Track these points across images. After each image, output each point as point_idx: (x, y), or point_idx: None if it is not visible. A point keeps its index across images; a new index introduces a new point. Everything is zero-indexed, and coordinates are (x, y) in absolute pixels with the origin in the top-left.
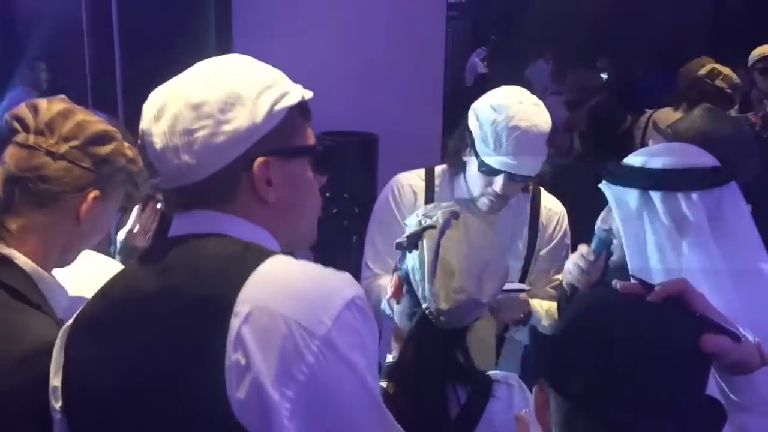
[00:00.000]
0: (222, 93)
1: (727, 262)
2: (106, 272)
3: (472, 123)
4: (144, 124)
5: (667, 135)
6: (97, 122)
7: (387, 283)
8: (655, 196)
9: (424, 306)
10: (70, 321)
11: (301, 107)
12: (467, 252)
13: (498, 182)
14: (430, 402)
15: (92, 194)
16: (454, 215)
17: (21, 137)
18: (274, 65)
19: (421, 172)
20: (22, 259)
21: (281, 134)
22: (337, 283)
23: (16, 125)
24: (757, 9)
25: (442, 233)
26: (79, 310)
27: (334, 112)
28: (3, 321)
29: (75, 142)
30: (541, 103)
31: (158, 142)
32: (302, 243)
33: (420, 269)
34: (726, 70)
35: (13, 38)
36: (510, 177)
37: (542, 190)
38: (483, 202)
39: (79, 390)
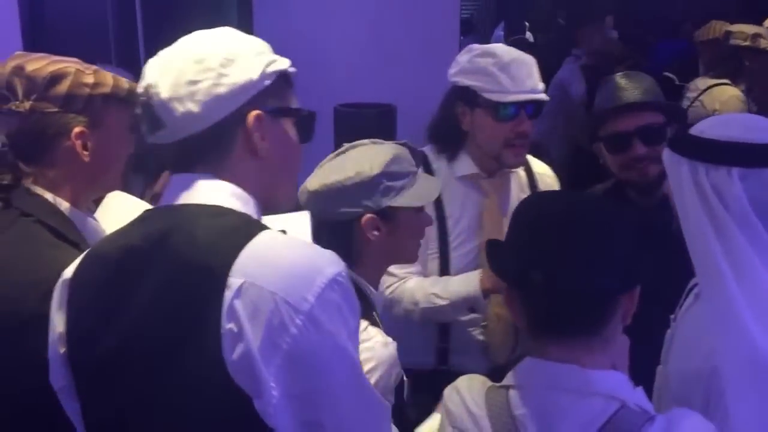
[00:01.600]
0: (222, 50)
1: None
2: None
3: (469, 82)
4: (149, 78)
5: None
6: (45, 66)
7: (415, 286)
8: (701, 168)
9: None
10: (69, 275)
11: (286, 76)
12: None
13: (522, 120)
14: None
15: (76, 130)
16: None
17: (10, 106)
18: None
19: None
20: (59, 201)
21: (272, 94)
22: (321, 261)
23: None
24: None
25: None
26: (74, 265)
27: (352, 84)
28: (36, 253)
29: (34, 95)
30: None
31: (164, 92)
32: (285, 202)
33: None
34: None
35: (36, 12)
36: (535, 109)
37: (529, 157)
38: (508, 156)
39: (80, 342)
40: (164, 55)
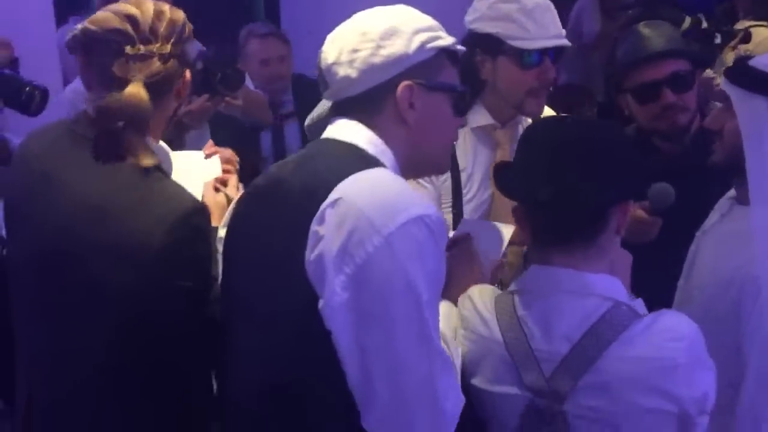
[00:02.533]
0: (385, 25)
1: None
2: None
3: (491, 29)
4: (323, 47)
5: None
6: (176, 12)
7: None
8: None
9: None
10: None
11: (452, 54)
12: None
13: (548, 67)
14: None
15: (188, 74)
16: None
17: (130, 49)
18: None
19: None
20: (155, 143)
21: (428, 69)
22: (414, 200)
23: (118, 38)
24: None
25: None
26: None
27: None
28: (150, 189)
29: (173, 39)
30: None
31: (330, 58)
32: (432, 170)
33: None
34: None
35: None
36: (557, 55)
37: None
38: (531, 104)
39: (229, 245)
40: (340, 26)
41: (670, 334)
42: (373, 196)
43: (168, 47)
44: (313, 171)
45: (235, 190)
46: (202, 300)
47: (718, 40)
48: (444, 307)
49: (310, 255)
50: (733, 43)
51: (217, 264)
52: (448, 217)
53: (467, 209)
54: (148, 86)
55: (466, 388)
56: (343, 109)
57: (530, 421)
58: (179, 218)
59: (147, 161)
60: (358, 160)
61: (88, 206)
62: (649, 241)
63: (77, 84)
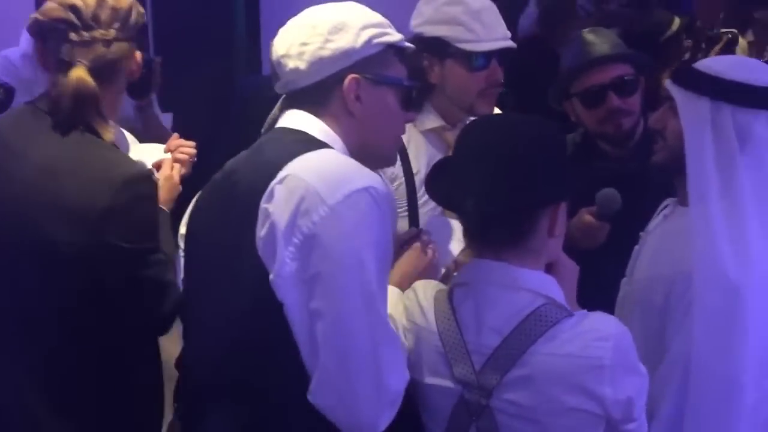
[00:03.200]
0: (334, 20)
1: None
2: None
3: (438, 33)
4: (275, 39)
5: None
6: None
7: None
8: (726, 108)
9: None
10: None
11: (400, 50)
12: None
13: (496, 69)
14: None
15: (138, 55)
16: None
17: (74, 36)
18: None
19: None
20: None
21: (376, 63)
22: (360, 173)
23: (62, 26)
24: None
25: None
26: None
27: None
28: (102, 155)
29: (117, 24)
30: None
31: (280, 50)
32: (381, 162)
33: None
34: None
35: None
36: (504, 55)
37: None
38: (481, 105)
39: (189, 237)
40: (291, 20)
41: (597, 333)
42: (321, 170)
43: (111, 32)
44: (263, 156)
45: (178, 173)
46: (145, 263)
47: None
48: (393, 293)
49: (261, 232)
50: (717, 48)
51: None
52: (404, 222)
53: (421, 213)
54: (95, 69)
55: None
56: (293, 101)
57: (459, 415)
58: (125, 181)
59: (106, 135)
60: (307, 143)
61: (41, 170)
62: (597, 245)
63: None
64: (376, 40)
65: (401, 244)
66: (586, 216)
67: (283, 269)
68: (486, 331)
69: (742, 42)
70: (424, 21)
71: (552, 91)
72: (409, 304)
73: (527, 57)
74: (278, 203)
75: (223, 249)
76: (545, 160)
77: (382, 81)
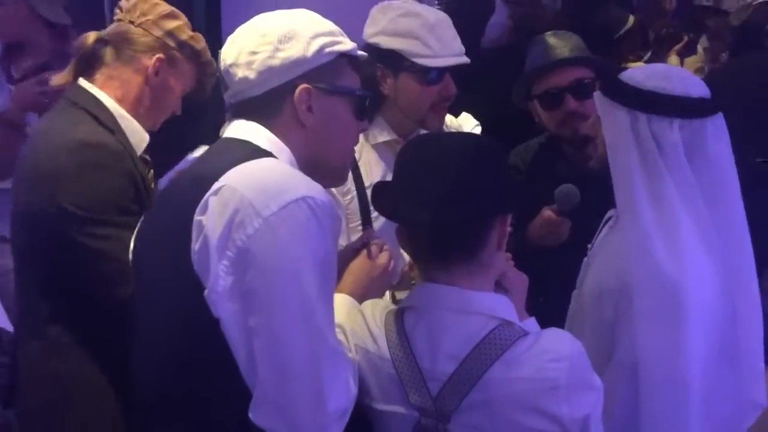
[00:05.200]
0: (284, 28)
1: (703, 190)
2: None
3: (394, 45)
4: (223, 48)
5: None
6: (167, 6)
7: None
8: (642, 117)
9: None
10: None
11: (352, 58)
12: None
13: (449, 83)
14: None
15: (157, 56)
16: None
17: (117, 17)
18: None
19: None
20: (104, 97)
21: (327, 73)
22: (298, 183)
23: (116, 11)
24: None
25: None
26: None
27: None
28: (73, 125)
29: (149, 17)
30: None
31: (229, 59)
32: (332, 175)
33: None
34: None
35: None
36: (456, 69)
37: None
38: (433, 119)
39: (135, 249)
40: (239, 29)
41: (552, 354)
42: (256, 181)
43: (141, 18)
44: (202, 167)
45: None
46: (93, 234)
47: None
48: (345, 301)
49: (195, 245)
50: (678, 47)
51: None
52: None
53: (376, 226)
54: (107, 42)
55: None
56: (242, 111)
57: None
58: (83, 146)
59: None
60: (249, 153)
61: (34, 134)
62: (560, 243)
63: None
64: (327, 49)
65: (354, 252)
66: (547, 212)
67: (217, 284)
68: (441, 358)
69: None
70: (379, 31)
71: (515, 90)
72: (358, 329)
73: (497, 65)
74: (212, 215)
75: (162, 263)
76: (493, 172)
77: (334, 91)
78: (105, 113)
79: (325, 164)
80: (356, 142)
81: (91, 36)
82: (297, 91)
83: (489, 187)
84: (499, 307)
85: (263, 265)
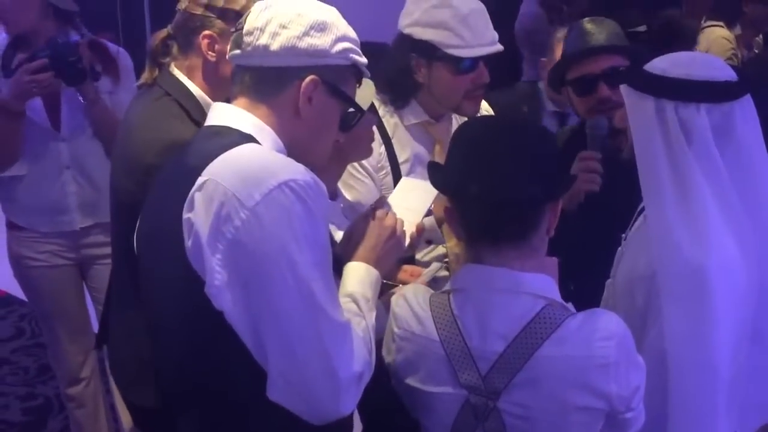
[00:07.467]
0: (321, 17)
1: (732, 173)
2: None
3: (427, 36)
4: (253, 8)
5: None
6: None
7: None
8: (669, 105)
9: None
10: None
11: (359, 71)
12: None
13: (482, 71)
14: None
15: (205, 32)
16: None
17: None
18: None
19: None
20: (194, 87)
21: (338, 75)
22: (279, 167)
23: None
24: None
25: None
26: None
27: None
28: (165, 121)
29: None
30: None
31: (257, 22)
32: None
33: None
34: None
35: None
36: (490, 56)
37: None
38: (467, 106)
39: (137, 241)
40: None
41: (602, 333)
42: (238, 171)
43: (183, 3)
44: (187, 160)
45: None
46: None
47: None
48: (357, 268)
49: (188, 242)
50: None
51: None
52: None
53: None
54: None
55: (400, 387)
56: (243, 78)
57: (465, 418)
58: (172, 148)
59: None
60: (231, 141)
61: (123, 124)
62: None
63: None
64: (348, 54)
65: (365, 220)
66: (581, 153)
67: (214, 278)
68: (491, 337)
69: (724, 32)
70: (413, 22)
71: (550, 76)
72: (402, 312)
73: None
74: (199, 212)
75: (162, 261)
76: (549, 156)
77: (337, 93)
78: (193, 103)
79: (300, 155)
80: (330, 149)
81: (162, 33)
82: (307, 79)
83: (552, 171)
84: (546, 288)
85: (255, 254)
